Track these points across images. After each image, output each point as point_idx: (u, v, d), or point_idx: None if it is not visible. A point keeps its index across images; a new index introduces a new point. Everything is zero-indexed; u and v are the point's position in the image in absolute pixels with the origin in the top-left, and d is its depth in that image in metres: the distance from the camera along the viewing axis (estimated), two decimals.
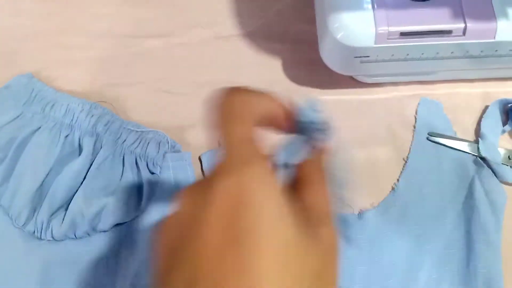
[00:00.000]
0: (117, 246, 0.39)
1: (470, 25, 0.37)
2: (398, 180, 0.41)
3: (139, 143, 0.41)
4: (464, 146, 0.42)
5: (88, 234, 0.39)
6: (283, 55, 0.46)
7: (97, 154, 0.41)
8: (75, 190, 0.40)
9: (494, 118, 0.43)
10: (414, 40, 0.38)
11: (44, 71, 0.46)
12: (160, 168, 0.41)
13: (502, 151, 0.42)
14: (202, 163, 0.42)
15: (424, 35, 0.38)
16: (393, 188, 0.41)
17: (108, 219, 0.39)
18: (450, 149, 0.42)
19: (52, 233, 0.38)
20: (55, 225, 0.38)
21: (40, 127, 0.42)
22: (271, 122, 0.25)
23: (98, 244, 0.39)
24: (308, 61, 0.45)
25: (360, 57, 0.39)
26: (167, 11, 0.48)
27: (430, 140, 0.42)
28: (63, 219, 0.39)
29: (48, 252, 0.39)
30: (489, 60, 0.40)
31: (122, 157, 0.41)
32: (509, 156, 0.41)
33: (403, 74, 0.44)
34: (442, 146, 0.42)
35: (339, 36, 0.38)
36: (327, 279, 0.22)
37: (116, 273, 0.38)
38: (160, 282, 0.21)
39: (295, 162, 0.26)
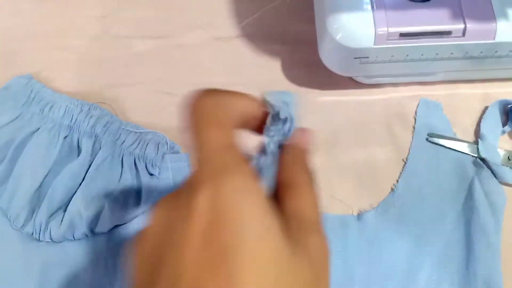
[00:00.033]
0: (115, 248, 0.39)
1: (470, 26, 0.37)
2: (397, 181, 0.41)
3: (138, 144, 0.41)
4: (463, 147, 0.42)
5: (87, 236, 0.39)
6: (282, 56, 0.46)
7: (96, 155, 0.40)
8: (73, 191, 0.39)
9: (493, 119, 0.43)
10: (414, 41, 0.38)
11: (43, 72, 0.46)
12: (159, 169, 0.41)
13: (501, 152, 0.41)
14: None
15: (424, 36, 0.38)
16: (392, 189, 0.41)
17: (107, 221, 0.39)
18: (449, 150, 0.42)
19: (50, 235, 0.38)
20: (54, 227, 0.38)
21: (39, 128, 0.41)
22: (248, 123, 0.24)
23: (97, 245, 0.39)
24: (307, 62, 0.45)
25: (360, 58, 0.39)
26: (166, 12, 0.48)
27: (429, 141, 0.42)
28: (61, 221, 0.39)
29: (47, 254, 0.39)
30: (489, 61, 0.40)
31: (121, 158, 0.41)
32: (508, 157, 0.41)
33: (403, 75, 0.44)
34: (442, 147, 0.42)
35: (338, 37, 0.38)
36: None
37: (115, 275, 0.38)
38: None
39: (275, 163, 0.24)
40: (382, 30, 0.37)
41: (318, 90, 0.45)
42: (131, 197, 0.40)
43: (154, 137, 0.41)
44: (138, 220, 0.39)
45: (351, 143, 0.43)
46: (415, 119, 0.43)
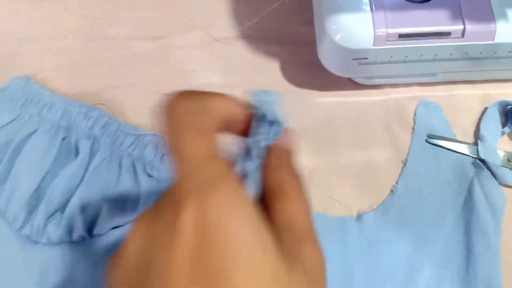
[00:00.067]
0: (114, 250, 0.39)
1: (469, 27, 0.37)
2: (397, 182, 0.41)
3: (137, 146, 0.41)
4: (463, 148, 0.42)
5: (84, 238, 0.39)
6: (281, 57, 0.46)
7: (94, 157, 0.40)
8: (71, 193, 0.39)
9: (493, 120, 0.43)
10: (413, 42, 0.38)
11: (42, 73, 0.45)
12: (158, 171, 0.40)
13: (501, 153, 0.41)
14: None
15: (423, 37, 0.38)
16: (392, 191, 0.41)
17: (105, 223, 0.38)
18: (449, 151, 0.42)
19: (48, 237, 0.38)
20: (52, 229, 0.38)
21: (37, 130, 0.41)
22: (230, 126, 0.22)
23: (95, 248, 0.39)
24: (306, 63, 0.45)
25: (359, 59, 0.39)
26: (164, 13, 0.48)
27: (429, 142, 0.42)
28: (59, 223, 0.38)
29: (45, 256, 0.38)
30: (488, 62, 0.40)
31: (119, 160, 0.40)
32: (508, 158, 0.41)
33: (402, 75, 0.44)
34: (441, 148, 0.42)
35: (337, 38, 0.38)
36: None
37: None
38: None
39: (260, 169, 0.22)
40: (381, 31, 0.37)
41: (317, 91, 0.45)
42: (130, 199, 0.40)
43: (153, 138, 0.41)
44: None
45: (351, 144, 0.43)
46: (414, 120, 0.43)
